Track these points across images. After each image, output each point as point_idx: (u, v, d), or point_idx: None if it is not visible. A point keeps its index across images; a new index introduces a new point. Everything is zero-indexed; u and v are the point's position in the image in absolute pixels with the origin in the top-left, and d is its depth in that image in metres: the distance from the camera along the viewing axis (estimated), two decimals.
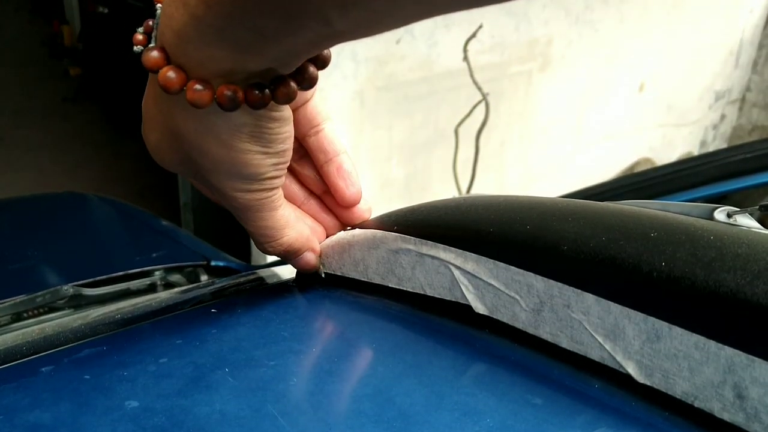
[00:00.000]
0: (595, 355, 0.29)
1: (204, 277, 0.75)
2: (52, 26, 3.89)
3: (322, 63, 0.31)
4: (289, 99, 0.30)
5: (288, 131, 0.32)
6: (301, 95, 0.36)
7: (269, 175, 0.33)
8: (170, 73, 0.28)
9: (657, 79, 2.54)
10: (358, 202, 0.39)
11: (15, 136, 2.95)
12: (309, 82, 0.30)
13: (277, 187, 0.34)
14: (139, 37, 0.30)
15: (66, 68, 3.63)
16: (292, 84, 0.30)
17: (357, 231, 0.39)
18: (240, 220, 0.36)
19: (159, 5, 0.29)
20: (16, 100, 3.29)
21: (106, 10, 3.07)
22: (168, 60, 0.28)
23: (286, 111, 0.32)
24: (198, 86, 0.28)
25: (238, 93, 0.28)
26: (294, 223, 0.37)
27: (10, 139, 2.90)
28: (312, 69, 0.30)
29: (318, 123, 0.38)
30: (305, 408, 0.28)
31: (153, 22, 0.29)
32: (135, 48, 0.30)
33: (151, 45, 0.29)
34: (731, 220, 0.35)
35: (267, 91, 0.29)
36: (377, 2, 0.23)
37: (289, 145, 0.33)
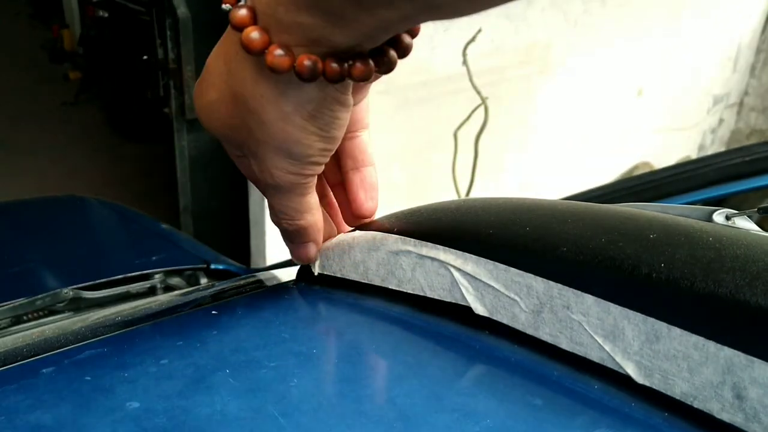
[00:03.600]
0: (594, 356, 0.29)
1: (204, 280, 0.75)
2: (51, 30, 3.89)
3: (403, 51, 0.30)
4: (364, 77, 0.29)
5: (345, 119, 0.32)
6: (356, 95, 0.35)
7: (314, 159, 0.33)
8: (254, 33, 0.28)
9: (655, 83, 2.54)
10: (370, 217, 0.39)
11: (15, 139, 2.95)
12: (387, 66, 0.30)
13: (315, 174, 0.34)
14: None
15: (66, 72, 3.64)
16: (371, 62, 0.29)
17: (357, 233, 0.39)
18: (266, 195, 0.36)
19: None
20: (17, 104, 3.30)
21: (105, 15, 3.07)
22: (255, 20, 0.28)
23: (350, 97, 0.31)
24: (279, 51, 0.28)
25: (318, 64, 0.28)
26: (315, 210, 0.37)
27: (10, 143, 2.90)
28: (392, 53, 0.30)
29: (355, 129, 0.37)
30: (306, 409, 0.28)
31: None
32: (224, 6, 0.29)
33: (241, 3, 0.29)
34: (730, 223, 0.35)
35: (346, 65, 0.28)
36: None
37: (342, 133, 0.33)
